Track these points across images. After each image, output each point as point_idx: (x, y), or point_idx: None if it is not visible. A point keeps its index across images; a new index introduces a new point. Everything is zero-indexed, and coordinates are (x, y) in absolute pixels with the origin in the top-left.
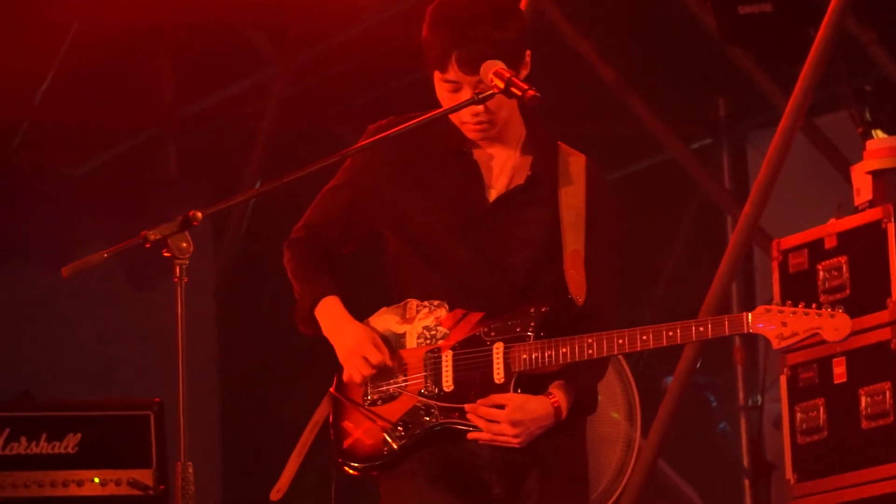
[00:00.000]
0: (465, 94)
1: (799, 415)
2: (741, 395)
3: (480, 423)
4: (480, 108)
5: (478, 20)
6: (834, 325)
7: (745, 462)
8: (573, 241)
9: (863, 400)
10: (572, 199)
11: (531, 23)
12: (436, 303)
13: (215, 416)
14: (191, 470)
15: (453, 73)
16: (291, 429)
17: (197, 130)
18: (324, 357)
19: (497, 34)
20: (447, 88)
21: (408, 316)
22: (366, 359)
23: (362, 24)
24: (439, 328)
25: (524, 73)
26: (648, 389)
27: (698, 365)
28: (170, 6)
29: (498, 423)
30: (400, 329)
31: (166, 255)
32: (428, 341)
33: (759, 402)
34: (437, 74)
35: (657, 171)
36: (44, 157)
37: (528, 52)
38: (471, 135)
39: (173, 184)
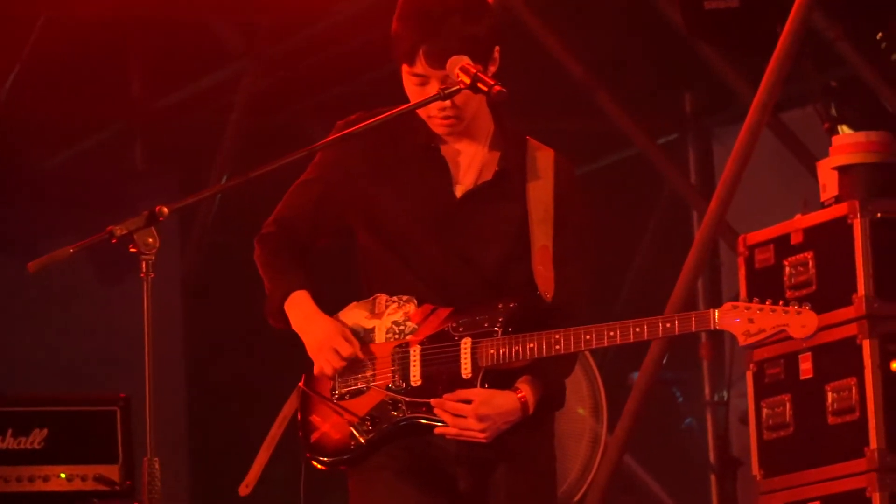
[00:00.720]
0: (433, 88)
1: (765, 410)
2: (707, 390)
3: (447, 418)
4: (447, 102)
5: (448, 14)
6: (801, 322)
7: (712, 458)
8: (542, 237)
9: (829, 396)
10: (541, 194)
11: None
12: (405, 298)
13: (182, 412)
14: (157, 465)
15: (421, 66)
16: (260, 423)
17: (165, 124)
18: (292, 352)
19: (467, 29)
20: (414, 82)
21: (377, 311)
22: (336, 351)
23: (332, 18)
24: (408, 323)
25: (493, 69)
26: (615, 385)
27: (665, 360)
28: (138, 1)
29: (464, 417)
30: (369, 324)
31: (132, 250)
32: (396, 336)
33: (726, 398)
34: (404, 68)
35: (624, 166)
36: (11, 151)
37: (497, 49)
38: (438, 129)
39: (141, 178)
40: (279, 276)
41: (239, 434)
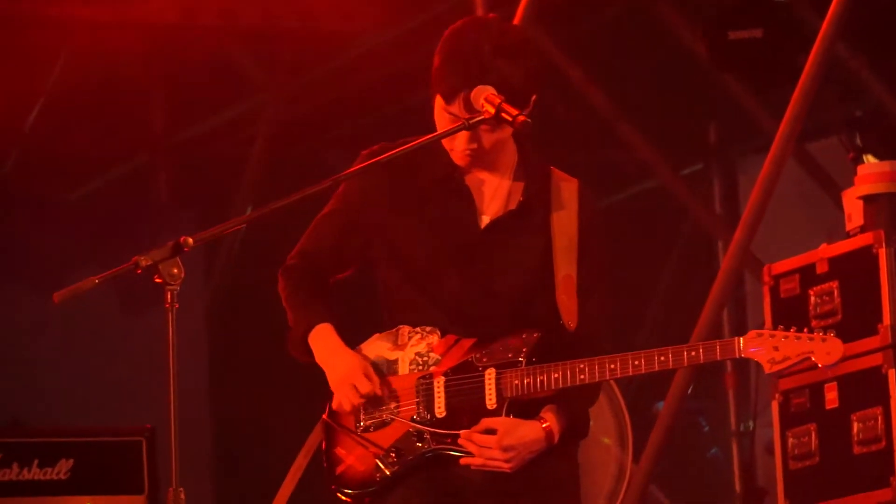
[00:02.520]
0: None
1: (791, 440)
2: (733, 420)
3: (472, 449)
4: (473, 141)
5: (494, 59)
6: (826, 350)
7: (738, 487)
8: (565, 267)
9: (855, 425)
10: (564, 225)
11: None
12: (428, 329)
13: (207, 442)
14: (182, 496)
15: (457, 108)
16: (284, 454)
17: (188, 157)
18: (316, 383)
19: (509, 76)
20: (447, 118)
21: (400, 342)
22: (355, 387)
23: (354, 51)
24: (431, 354)
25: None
26: (640, 415)
27: (690, 390)
28: (160, 34)
29: (490, 448)
30: (392, 355)
31: (157, 280)
32: (420, 367)
33: (751, 428)
34: (440, 101)
35: (649, 197)
36: (35, 183)
37: (533, 97)
38: (459, 161)
39: (165, 210)
40: (303, 309)
41: (264, 464)
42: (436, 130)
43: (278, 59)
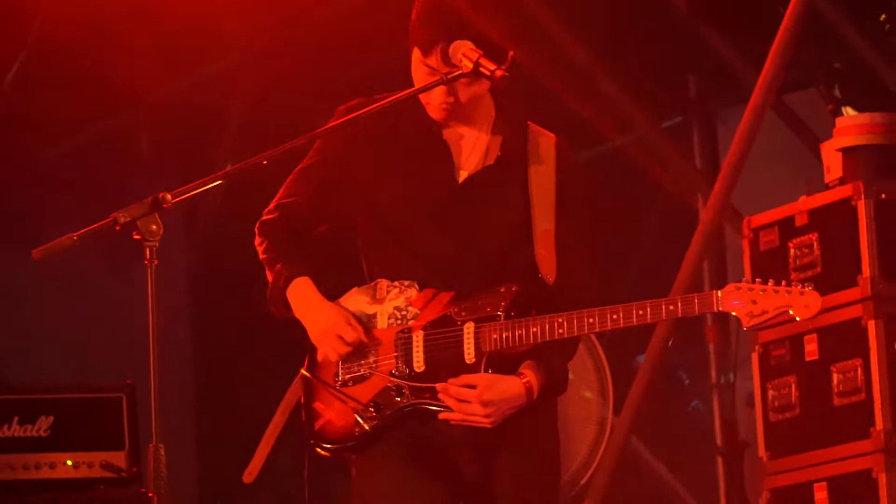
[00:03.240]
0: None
1: (771, 392)
2: (713, 373)
3: (451, 403)
4: (450, 95)
5: (470, 11)
6: (804, 303)
7: (718, 440)
8: (543, 221)
9: (834, 377)
10: (542, 179)
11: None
12: (406, 283)
13: (189, 399)
14: (163, 452)
15: (434, 61)
16: (265, 410)
17: (169, 113)
18: (296, 339)
19: (487, 31)
20: (424, 71)
21: (378, 296)
22: (341, 337)
23: (334, 7)
24: (410, 308)
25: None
26: (621, 368)
27: (670, 343)
28: None
29: (469, 402)
30: (370, 309)
31: (136, 237)
32: (399, 321)
33: (732, 380)
34: (417, 54)
35: (628, 150)
36: (15, 140)
37: (511, 53)
38: (435, 115)
39: (145, 166)
40: (280, 264)
41: (246, 421)
42: (413, 84)
43: (258, 13)
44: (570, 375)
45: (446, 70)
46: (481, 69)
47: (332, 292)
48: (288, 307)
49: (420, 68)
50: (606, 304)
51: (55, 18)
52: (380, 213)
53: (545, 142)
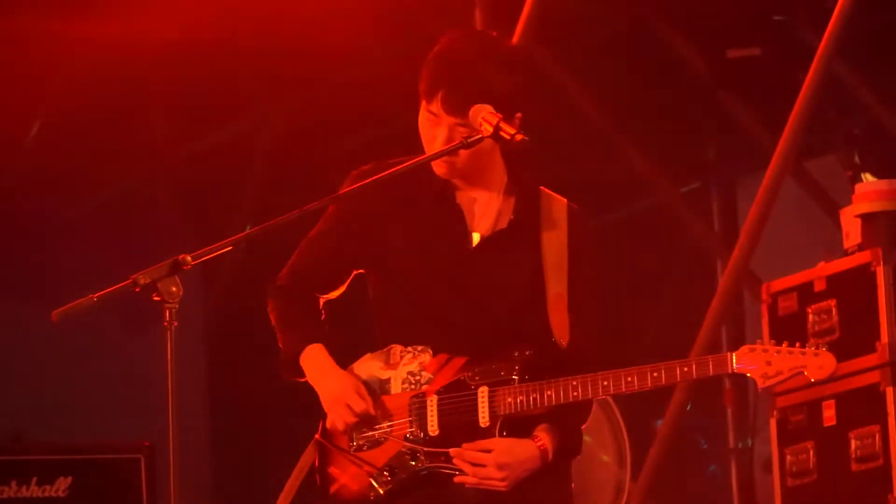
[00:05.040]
0: (443, 129)
1: (789, 457)
2: (731, 437)
3: (466, 468)
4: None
5: (476, 64)
6: (818, 364)
7: None
8: (556, 285)
9: (852, 443)
10: (554, 244)
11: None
12: (419, 348)
13: (206, 460)
14: None
15: (436, 108)
16: (281, 472)
17: (189, 173)
18: (313, 401)
19: (491, 84)
20: (428, 119)
21: (391, 361)
22: (349, 407)
23: (353, 68)
24: (423, 373)
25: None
26: (639, 432)
27: (689, 408)
28: (161, 49)
29: (484, 466)
30: (384, 375)
31: (156, 298)
32: (412, 386)
33: (750, 445)
34: (423, 103)
35: (648, 215)
36: (36, 200)
37: (519, 115)
38: (438, 170)
39: (165, 227)
40: (293, 330)
41: (262, 483)
42: (420, 136)
43: (278, 75)
44: (588, 439)
45: (448, 116)
46: (501, 133)
47: (345, 358)
48: (300, 373)
49: (424, 116)
50: (622, 367)
51: (76, 78)
52: (392, 277)
53: (557, 206)
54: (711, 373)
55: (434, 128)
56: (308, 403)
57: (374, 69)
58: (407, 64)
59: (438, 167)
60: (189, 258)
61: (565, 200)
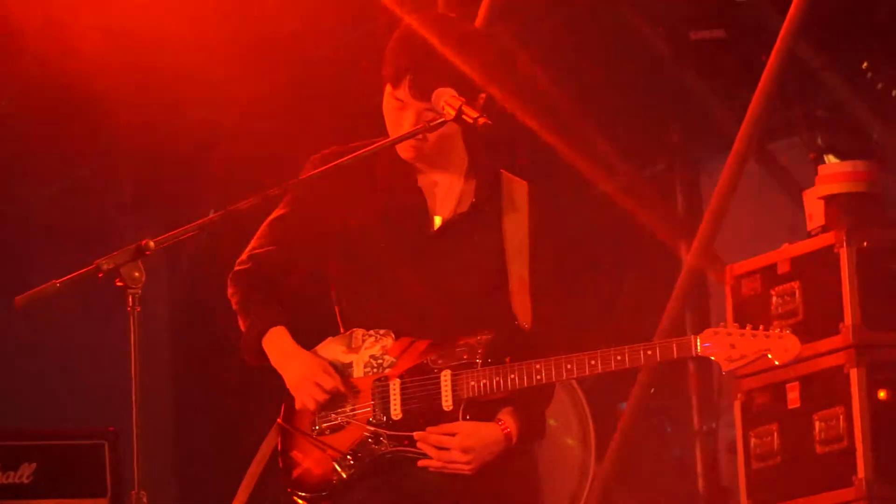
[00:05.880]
0: (410, 114)
1: (753, 440)
2: (696, 420)
3: (430, 451)
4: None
5: (440, 45)
6: (783, 347)
7: (701, 488)
8: (518, 268)
9: (816, 425)
10: (516, 227)
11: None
12: (382, 331)
13: (170, 445)
14: (145, 499)
15: (403, 93)
16: (246, 457)
17: (152, 159)
18: (277, 386)
19: (456, 67)
20: (394, 104)
21: (354, 345)
22: (319, 385)
23: (314, 53)
24: (386, 357)
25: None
26: (603, 416)
27: (653, 390)
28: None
29: (448, 450)
30: (346, 358)
31: (119, 284)
32: (375, 370)
33: (714, 428)
34: (388, 87)
35: (610, 197)
36: None
37: (482, 96)
38: (404, 154)
39: (128, 212)
40: (255, 314)
41: (227, 467)
42: (385, 119)
43: (237, 60)
44: (552, 422)
45: (415, 102)
46: (464, 117)
47: (307, 342)
48: (262, 356)
49: (390, 102)
50: (586, 350)
51: (37, 63)
52: (354, 261)
53: (519, 188)
54: (675, 356)
55: (400, 112)
56: (271, 387)
57: (337, 52)
58: (370, 46)
59: (406, 152)
60: (152, 243)
61: (526, 183)
